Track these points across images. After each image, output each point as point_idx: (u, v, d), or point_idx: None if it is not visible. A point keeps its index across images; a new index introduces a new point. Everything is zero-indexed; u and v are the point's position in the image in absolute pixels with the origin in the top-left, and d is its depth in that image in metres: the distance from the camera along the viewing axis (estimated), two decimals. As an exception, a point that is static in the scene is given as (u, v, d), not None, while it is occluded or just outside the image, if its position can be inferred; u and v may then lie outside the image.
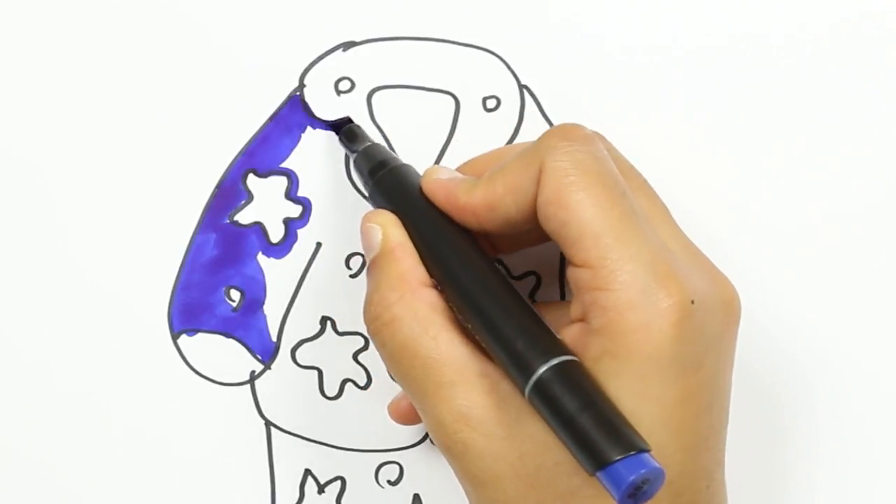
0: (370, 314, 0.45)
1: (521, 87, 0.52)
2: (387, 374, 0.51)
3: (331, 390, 0.52)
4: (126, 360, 0.51)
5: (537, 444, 0.41)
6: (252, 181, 0.52)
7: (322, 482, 0.52)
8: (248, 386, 0.52)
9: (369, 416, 0.51)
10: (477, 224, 0.45)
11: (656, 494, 0.39)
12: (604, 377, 0.41)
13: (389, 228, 0.46)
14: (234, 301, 0.52)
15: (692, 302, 0.41)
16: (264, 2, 0.52)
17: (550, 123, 0.52)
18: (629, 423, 0.40)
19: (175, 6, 0.52)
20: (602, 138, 0.46)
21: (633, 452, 0.38)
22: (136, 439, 0.51)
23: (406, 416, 0.49)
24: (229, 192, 0.52)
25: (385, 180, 0.48)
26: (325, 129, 0.52)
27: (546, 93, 0.52)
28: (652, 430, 0.40)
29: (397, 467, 0.52)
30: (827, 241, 0.52)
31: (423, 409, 0.44)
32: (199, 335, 0.52)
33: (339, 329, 0.52)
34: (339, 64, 0.52)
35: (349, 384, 0.52)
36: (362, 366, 0.51)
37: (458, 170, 0.48)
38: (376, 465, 0.52)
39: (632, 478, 0.38)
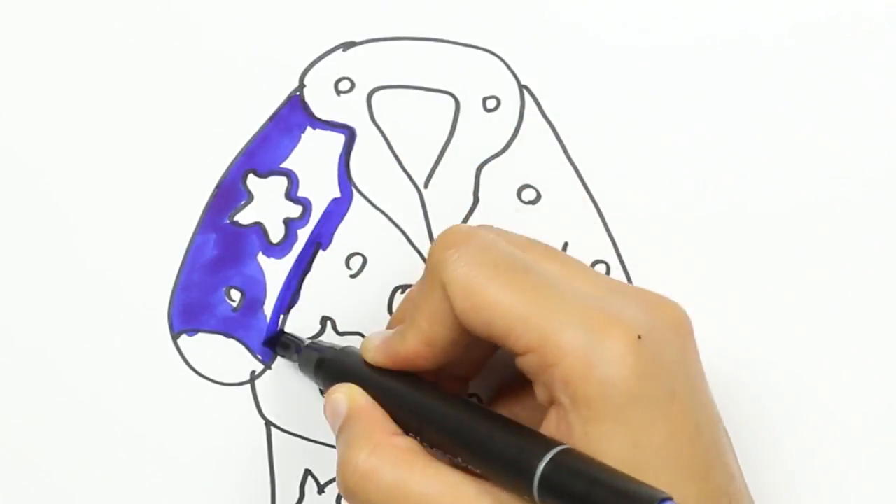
0: (345, 473, 0.44)
1: (521, 87, 0.52)
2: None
3: (331, 390, 0.52)
4: (126, 360, 0.51)
5: None
6: (252, 181, 0.52)
7: (322, 482, 0.52)
8: (248, 386, 0.52)
9: (369, 416, 0.51)
10: (428, 364, 0.45)
11: None
12: (596, 446, 0.41)
13: (354, 395, 0.46)
14: (234, 301, 0.52)
15: (639, 337, 0.41)
16: (264, 2, 0.52)
17: (550, 123, 0.52)
18: (639, 481, 0.39)
19: (175, 6, 0.52)
20: (486, 227, 0.46)
21: (657, 502, 0.38)
22: (137, 439, 0.51)
23: None
24: (229, 192, 0.52)
25: (331, 369, 0.48)
26: (326, 129, 0.52)
27: (546, 93, 0.52)
28: (658, 473, 0.40)
29: (397, 467, 0.52)
30: (823, 240, 0.52)
31: None
32: (200, 335, 0.52)
33: (339, 329, 0.52)
34: (339, 64, 0.52)
35: (349, 384, 0.52)
36: (362, 366, 0.52)
37: (389, 326, 0.49)
38: (376, 465, 0.52)
39: None
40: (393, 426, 0.45)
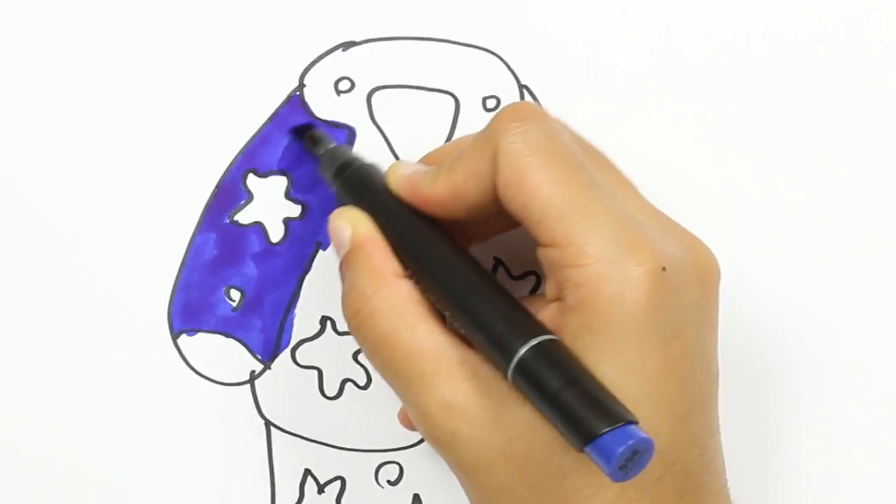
0: (350, 310, 0.45)
1: (521, 87, 0.52)
2: (387, 374, 0.51)
3: (331, 390, 0.52)
4: (126, 360, 0.51)
5: (524, 426, 0.41)
6: (252, 181, 0.52)
7: (322, 482, 0.52)
8: (248, 386, 0.52)
9: (369, 416, 0.51)
10: (444, 213, 0.45)
11: (648, 465, 0.38)
12: (584, 353, 0.41)
13: (358, 224, 0.46)
14: (234, 301, 0.52)
15: (663, 269, 0.41)
16: (264, 2, 0.52)
17: (550, 123, 0.52)
18: (613, 396, 0.39)
19: (175, 6, 0.52)
20: (553, 117, 0.46)
21: (619, 424, 0.38)
22: (136, 439, 0.51)
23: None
24: (229, 192, 0.52)
25: (351, 179, 0.48)
26: (325, 129, 0.52)
27: (546, 93, 0.52)
28: (637, 402, 0.40)
29: (397, 467, 0.52)
30: (824, 240, 0.52)
31: (407, 401, 0.44)
32: (199, 335, 0.52)
33: (339, 329, 0.52)
34: (338, 64, 0.52)
35: (349, 384, 0.51)
36: (362, 366, 0.51)
37: (421, 161, 0.48)
38: (376, 465, 0.52)
39: (620, 449, 0.37)
40: (395, 264, 0.45)
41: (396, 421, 0.51)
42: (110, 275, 0.51)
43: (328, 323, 0.52)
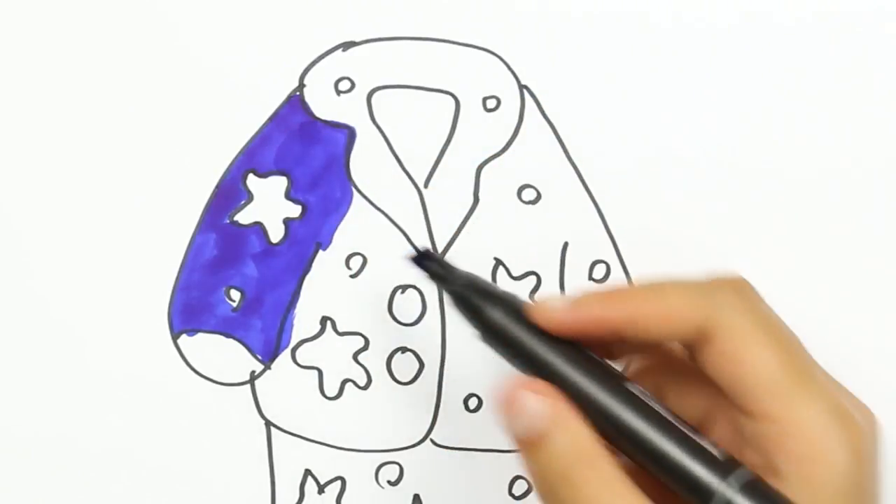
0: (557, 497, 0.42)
1: (521, 87, 0.52)
2: (387, 374, 0.51)
3: (331, 390, 0.52)
4: (126, 360, 0.51)
5: None
6: (252, 181, 0.52)
7: (322, 482, 0.52)
8: (248, 386, 0.52)
9: (369, 416, 0.51)
10: (612, 335, 0.43)
11: None
12: None
13: (560, 407, 0.42)
14: (234, 301, 0.52)
15: (864, 435, 0.42)
16: (264, 2, 0.52)
17: (550, 123, 0.52)
18: None
19: (175, 6, 0.52)
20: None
21: None
22: (136, 439, 0.51)
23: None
24: (229, 192, 0.52)
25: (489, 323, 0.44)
26: (326, 129, 0.52)
27: (546, 93, 0.52)
28: None
29: (397, 467, 0.52)
30: (825, 239, 0.52)
31: None
32: (199, 335, 0.52)
33: (339, 329, 0.52)
34: (338, 64, 0.52)
35: (349, 384, 0.52)
36: (362, 366, 0.51)
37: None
38: (376, 465, 0.52)
39: None
40: (597, 440, 0.42)
41: (396, 421, 0.51)
42: (111, 275, 0.51)
43: (328, 323, 0.52)
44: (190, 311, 0.51)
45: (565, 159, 0.52)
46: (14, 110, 0.52)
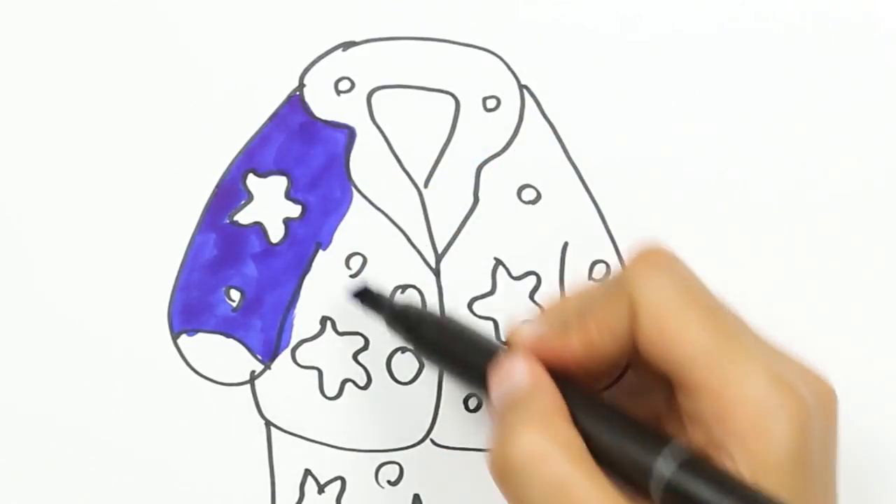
0: (511, 450, 0.42)
1: (521, 87, 0.52)
2: (387, 374, 0.51)
3: (331, 390, 0.52)
4: (126, 360, 0.51)
5: None
6: (252, 181, 0.52)
7: (322, 482, 0.52)
8: (248, 386, 0.52)
9: (369, 416, 0.51)
10: (577, 367, 0.44)
11: None
12: None
13: (538, 370, 0.44)
14: (234, 301, 0.51)
15: (811, 406, 0.41)
16: (264, 2, 0.52)
17: (550, 123, 0.52)
18: (768, 494, 0.40)
19: (175, 6, 0.52)
20: (681, 260, 0.45)
21: None
22: (136, 439, 0.51)
23: None
24: (229, 192, 0.52)
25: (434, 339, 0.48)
26: (326, 129, 0.52)
27: (546, 93, 0.52)
28: None
29: (397, 467, 0.52)
30: (826, 239, 0.52)
31: None
32: (199, 335, 0.52)
33: (339, 329, 0.52)
34: (338, 64, 0.52)
35: (349, 384, 0.51)
36: (362, 366, 0.51)
37: (542, 316, 0.47)
38: (376, 465, 0.52)
39: None
40: (567, 415, 0.43)
41: (396, 421, 0.51)
42: (110, 275, 0.51)
43: (328, 323, 0.52)
44: (190, 311, 0.51)
45: (565, 159, 0.52)
46: (14, 110, 0.52)
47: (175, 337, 0.51)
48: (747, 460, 0.41)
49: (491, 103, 0.52)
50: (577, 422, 0.43)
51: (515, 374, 0.44)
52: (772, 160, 0.52)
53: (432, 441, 0.51)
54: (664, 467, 0.41)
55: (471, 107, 0.52)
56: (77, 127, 0.52)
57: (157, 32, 0.52)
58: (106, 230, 0.52)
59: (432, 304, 0.51)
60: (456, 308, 0.51)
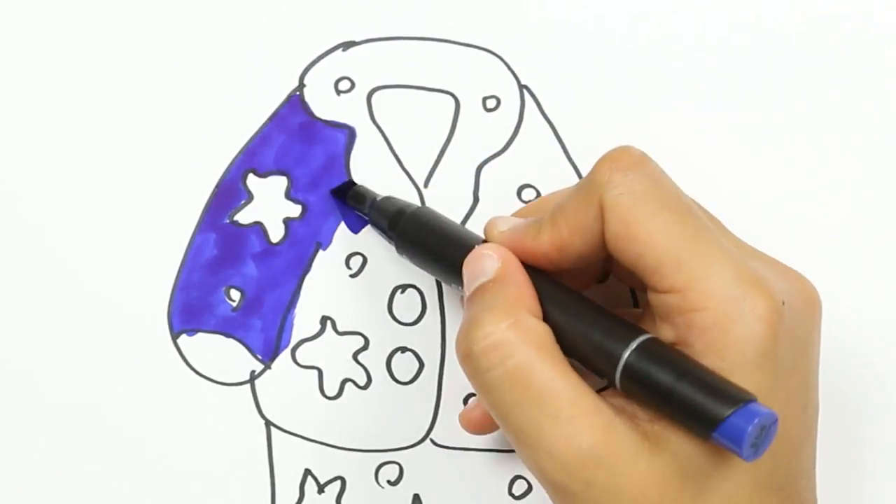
0: (474, 336, 0.42)
1: (521, 87, 0.52)
2: (387, 374, 0.51)
3: (331, 390, 0.52)
4: (126, 360, 0.51)
5: (658, 476, 0.41)
6: (252, 181, 0.52)
7: (322, 482, 0.52)
8: (248, 386, 0.52)
9: (369, 416, 0.51)
10: (549, 266, 0.44)
11: (765, 500, 0.39)
12: None
13: (508, 259, 0.44)
14: (233, 301, 0.52)
15: (783, 303, 0.41)
16: (264, 2, 0.52)
17: (550, 123, 0.52)
18: (725, 378, 0.39)
19: (175, 6, 0.52)
20: (652, 161, 0.45)
21: (742, 404, 0.38)
22: (136, 439, 0.51)
23: (480, 425, 0.48)
24: (229, 192, 0.52)
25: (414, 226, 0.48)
26: (326, 128, 0.52)
27: (546, 93, 0.52)
28: None
29: (397, 467, 0.52)
30: (826, 239, 0.52)
31: (531, 443, 0.42)
32: (199, 335, 0.52)
33: (339, 329, 0.52)
34: (339, 64, 0.52)
35: (349, 384, 0.52)
36: (362, 366, 0.51)
37: (516, 214, 0.48)
38: (376, 465, 0.52)
39: (750, 427, 0.38)
40: (536, 306, 0.43)
41: (396, 421, 0.51)
42: (110, 275, 0.51)
43: (328, 323, 0.52)
44: (190, 311, 0.51)
45: (565, 159, 0.52)
46: (15, 110, 0.52)
47: (175, 337, 0.51)
48: (711, 356, 0.41)
49: (491, 103, 0.52)
50: (546, 311, 0.43)
51: (486, 263, 0.44)
52: (772, 160, 0.52)
53: (432, 441, 0.51)
54: (625, 353, 0.41)
55: (471, 107, 0.52)
56: (77, 127, 0.52)
57: (157, 33, 0.52)
58: (106, 230, 0.52)
59: (432, 304, 0.52)
60: (456, 308, 0.51)
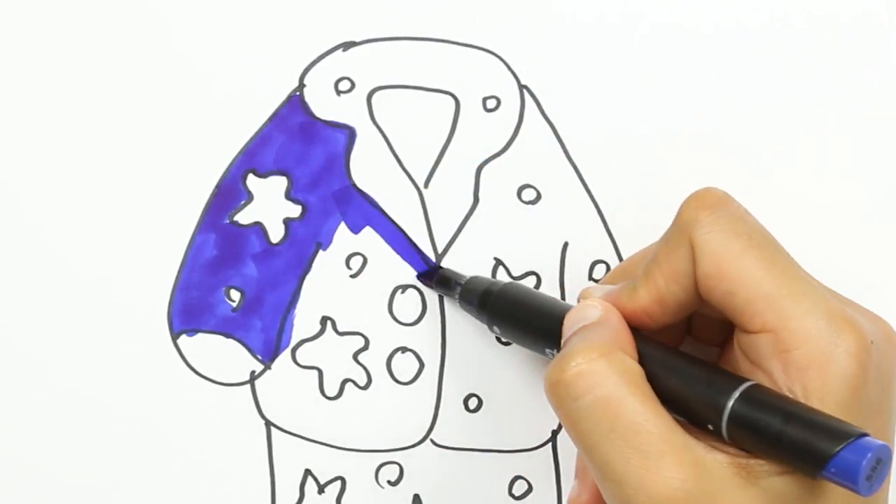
0: (565, 365, 0.42)
1: (521, 87, 0.52)
2: (387, 374, 0.51)
3: (331, 390, 0.52)
4: (126, 360, 0.51)
5: None
6: (252, 181, 0.52)
7: (322, 482, 0.52)
8: (248, 386, 0.52)
9: (369, 416, 0.51)
10: (650, 323, 0.44)
11: None
12: None
13: (610, 309, 0.44)
14: (233, 301, 0.52)
15: (871, 343, 0.41)
16: (264, 2, 0.52)
17: (550, 123, 0.52)
18: (835, 417, 0.40)
19: (175, 6, 0.52)
20: (735, 200, 0.45)
21: (853, 438, 0.38)
22: (136, 439, 0.51)
23: None
24: (229, 192, 0.52)
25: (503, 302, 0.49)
26: (326, 129, 0.52)
27: (546, 93, 0.52)
28: None
29: (397, 467, 0.52)
30: (826, 239, 0.52)
31: (616, 478, 0.41)
32: (199, 335, 0.52)
33: (339, 329, 0.52)
34: (339, 64, 0.52)
35: (349, 384, 0.52)
36: (362, 366, 0.51)
37: (606, 280, 0.48)
38: (376, 465, 0.52)
39: (864, 460, 0.38)
40: (632, 350, 0.43)
41: (396, 421, 0.51)
42: (110, 275, 0.51)
43: (328, 323, 0.52)
44: (190, 311, 0.51)
45: (565, 159, 0.52)
46: (15, 110, 0.52)
47: (175, 337, 0.51)
48: (808, 395, 0.41)
49: (491, 103, 0.52)
50: (644, 360, 0.43)
51: (588, 311, 0.44)
52: (772, 159, 0.52)
53: (432, 441, 0.51)
54: (729, 402, 0.41)
55: (471, 107, 0.52)
56: (77, 127, 0.52)
57: (157, 33, 0.52)
58: (106, 230, 0.52)
59: (432, 304, 0.52)
60: (456, 308, 0.51)
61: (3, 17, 0.52)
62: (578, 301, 0.46)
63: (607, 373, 0.41)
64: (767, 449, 0.40)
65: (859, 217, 0.52)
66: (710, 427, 0.41)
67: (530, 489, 0.52)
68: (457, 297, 0.50)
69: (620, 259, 0.51)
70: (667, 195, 0.49)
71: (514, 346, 0.51)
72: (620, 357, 0.42)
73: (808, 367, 0.41)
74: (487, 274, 0.51)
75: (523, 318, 0.48)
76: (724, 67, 0.52)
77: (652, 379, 0.42)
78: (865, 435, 0.39)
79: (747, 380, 0.41)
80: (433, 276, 0.51)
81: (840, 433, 0.39)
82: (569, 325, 0.45)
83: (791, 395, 0.41)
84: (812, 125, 0.52)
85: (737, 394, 0.40)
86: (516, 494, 0.52)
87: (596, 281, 0.52)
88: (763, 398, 0.40)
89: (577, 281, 0.52)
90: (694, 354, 0.44)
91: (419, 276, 0.51)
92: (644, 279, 0.44)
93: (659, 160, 0.51)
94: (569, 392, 0.42)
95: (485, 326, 0.49)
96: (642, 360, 0.43)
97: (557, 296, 0.52)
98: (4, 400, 0.51)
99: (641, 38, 0.52)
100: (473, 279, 0.50)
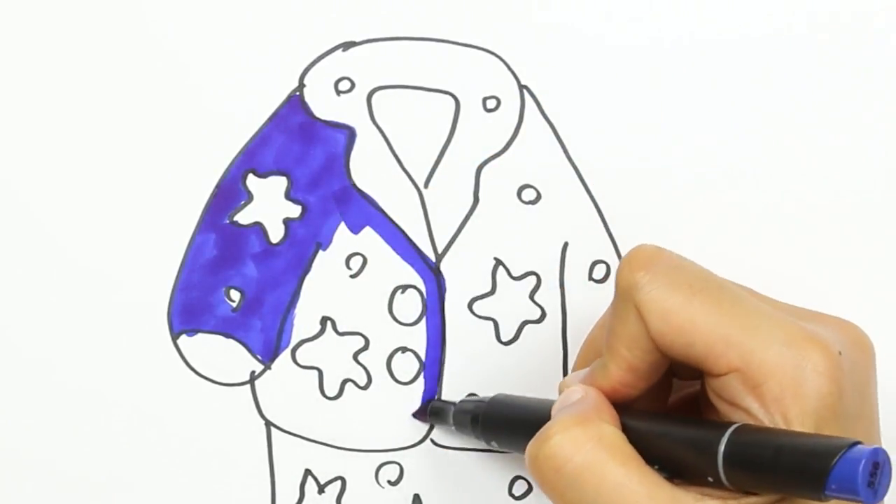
0: (542, 438, 0.42)
1: (521, 87, 0.52)
2: (387, 374, 0.51)
3: (331, 390, 0.52)
4: (126, 360, 0.51)
5: None
6: (252, 181, 0.52)
7: (322, 482, 0.52)
8: (248, 386, 0.52)
9: (369, 416, 0.51)
10: (633, 392, 0.44)
11: None
12: None
13: (592, 390, 0.44)
14: (233, 301, 0.52)
15: (839, 353, 0.41)
16: (264, 2, 0.52)
17: (550, 123, 0.52)
18: (823, 434, 0.40)
19: (175, 6, 0.52)
20: (667, 250, 0.45)
21: (845, 449, 0.38)
22: (136, 439, 0.51)
23: None
24: (229, 192, 0.52)
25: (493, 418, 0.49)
26: (325, 129, 0.52)
27: (546, 93, 0.52)
28: None
29: (397, 467, 0.52)
30: (826, 239, 0.52)
31: None
32: (199, 335, 0.52)
33: (339, 329, 0.52)
34: (338, 64, 0.52)
35: (349, 384, 0.52)
36: (362, 366, 0.52)
37: (575, 366, 0.49)
38: (376, 465, 0.52)
39: (860, 467, 0.37)
40: (614, 419, 0.43)
41: (396, 421, 0.51)
42: (111, 275, 0.51)
43: (328, 323, 0.52)
44: (190, 312, 0.51)
45: (565, 159, 0.52)
46: (15, 110, 0.52)
47: (175, 337, 0.51)
48: (789, 423, 0.41)
49: (491, 103, 0.52)
50: (628, 427, 0.43)
51: (571, 395, 0.44)
52: (771, 161, 0.52)
53: (432, 441, 0.52)
54: (721, 445, 0.40)
55: (471, 107, 0.52)
56: (78, 127, 0.52)
57: (157, 33, 0.52)
58: (106, 230, 0.52)
59: (432, 304, 0.52)
60: (456, 308, 0.51)
61: (3, 17, 0.52)
62: (560, 394, 0.46)
63: (583, 439, 0.41)
64: (769, 484, 0.40)
65: (860, 217, 0.52)
66: (711, 479, 0.41)
67: (530, 489, 0.52)
68: (452, 426, 0.50)
69: (620, 259, 0.51)
70: (667, 195, 0.49)
71: (515, 346, 0.52)
72: (596, 424, 0.42)
73: (781, 396, 0.41)
74: (487, 274, 0.51)
75: (515, 421, 0.48)
76: (725, 68, 0.52)
77: (643, 446, 0.42)
78: (857, 443, 0.38)
79: (732, 423, 0.41)
80: (426, 410, 0.51)
81: (830, 449, 0.38)
82: (554, 410, 0.45)
83: (774, 426, 0.41)
84: (812, 126, 0.52)
85: (725, 439, 0.40)
86: (516, 494, 0.52)
87: (596, 281, 0.52)
88: (750, 437, 0.40)
89: (577, 281, 0.52)
90: (683, 395, 0.45)
91: (414, 415, 0.51)
92: (609, 354, 0.44)
93: (659, 160, 0.51)
94: (549, 464, 0.42)
95: (485, 326, 0.49)
96: (628, 432, 0.43)
97: (557, 297, 0.52)
98: (5, 400, 0.51)
99: (642, 39, 0.52)
100: (463, 402, 0.50)
